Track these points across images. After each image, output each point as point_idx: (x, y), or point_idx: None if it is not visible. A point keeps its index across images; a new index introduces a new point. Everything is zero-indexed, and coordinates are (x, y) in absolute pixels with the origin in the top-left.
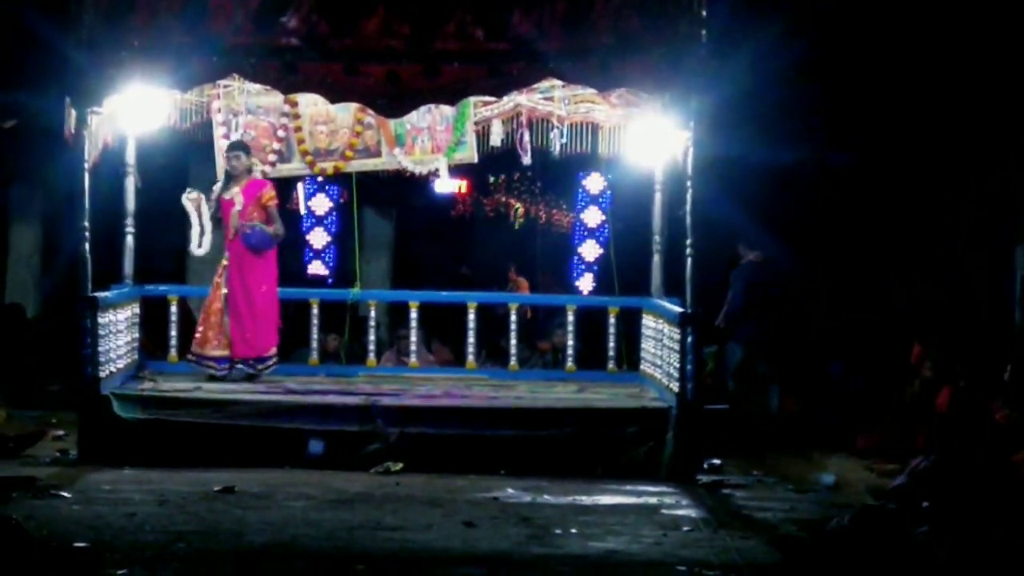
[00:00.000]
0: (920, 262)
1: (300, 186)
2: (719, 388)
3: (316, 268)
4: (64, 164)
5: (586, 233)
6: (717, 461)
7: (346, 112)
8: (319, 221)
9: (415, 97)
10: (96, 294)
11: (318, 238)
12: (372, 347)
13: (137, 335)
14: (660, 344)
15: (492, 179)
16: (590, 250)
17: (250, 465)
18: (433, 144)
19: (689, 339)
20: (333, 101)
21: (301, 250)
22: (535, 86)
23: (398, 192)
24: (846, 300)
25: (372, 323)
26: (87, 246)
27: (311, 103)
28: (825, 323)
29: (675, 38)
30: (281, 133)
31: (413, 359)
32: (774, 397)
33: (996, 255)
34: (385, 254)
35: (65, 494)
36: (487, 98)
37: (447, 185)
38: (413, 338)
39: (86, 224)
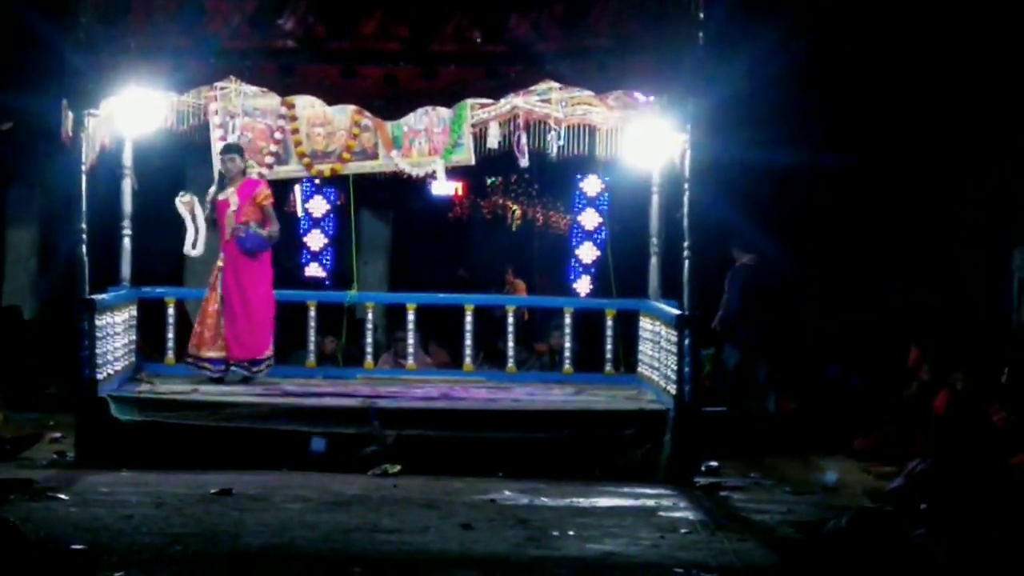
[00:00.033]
0: (917, 264)
1: (297, 188)
2: (716, 390)
3: (313, 270)
4: (61, 166)
5: (583, 235)
6: (715, 463)
7: (343, 114)
8: (316, 223)
9: (412, 99)
10: (93, 296)
11: (315, 240)
12: (369, 349)
13: (134, 337)
14: (658, 346)
15: (489, 181)
16: (587, 252)
17: (247, 467)
18: (430, 146)
19: (687, 341)
20: (330, 103)
21: (298, 252)
22: (532, 88)
23: (395, 194)
24: (843, 302)
25: (369, 325)
26: (84, 248)
27: (308, 105)
28: (822, 325)
29: (672, 40)
30: (278, 135)
31: (410, 361)
32: (771, 400)
33: (993, 257)
34: (382, 256)
35: (62, 496)
36: (484, 100)
37: (444, 187)
38: (410, 340)
39: (83, 226)
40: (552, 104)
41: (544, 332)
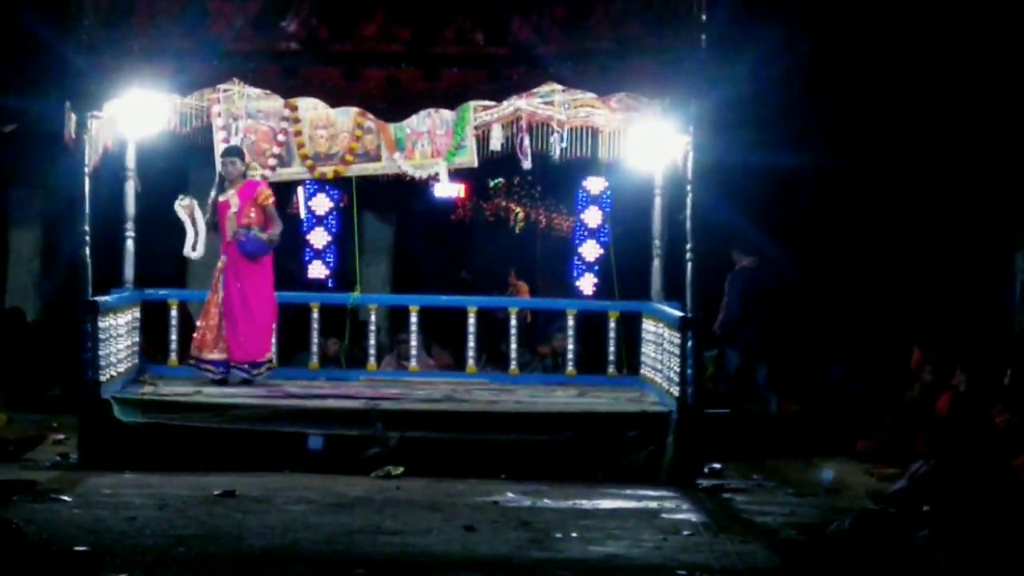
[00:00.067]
0: (920, 266)
1: (300, 190)
2: (719, 392)
3: (316, 269)
4: (64, 168)
5: (587, 233)
6: (717, 465)
7: (346, 116)
8: (319, 221)
9: (415, 101)
10: (96, 298)
11: (318, 238)
12: (372, 351)
13: (137, 339)
14: (660, 348)
15: (492, 183)
16: (591, 250)
17: (250, 469)
18: (433, 148)
19: (689, 343)
20: (333, 105)
21: (301, 252)
22: (535, 90)
23: (398, 196)
24: (846, 304)
25: (372, 327)
26: (87, 250)
27: (311, 107)
28: (825, 327)
29: (675, 42)
30: (281, 137)
31: (413, 363)
32: (771, 402)
33: (996, 259)
34: (385, 258)
35: (65, 498)
36: (487, 102)
37: (447, 189)
38: (413, 342)
39: (86, 228)
40: (555, 106)
41: (547, 334)
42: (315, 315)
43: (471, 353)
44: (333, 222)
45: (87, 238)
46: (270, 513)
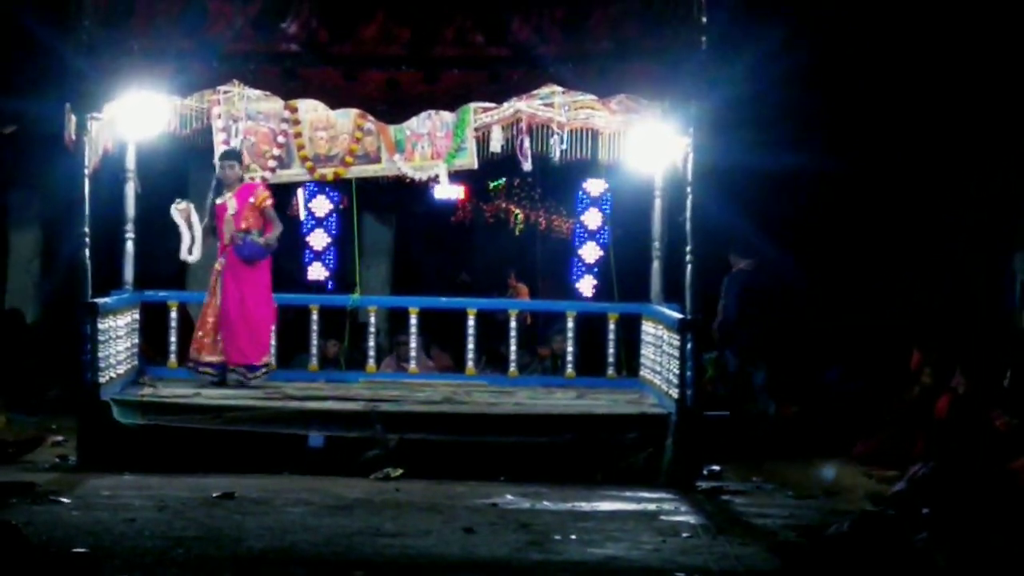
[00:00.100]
0: (920, 267)
1: (300, 192)
2: (719, 394)
3: (316, 270)
4: (64, 170)
5: (586, 235)
6: (716, 467)
7: (346, 118)
8: (319, 222)
9: (415, 103)
10: (96, 300)
11: (318, 240)
12: (372, 353)
13: (137, 341)
14: (660, 350)
15: (492, 184)
16: (590, 252)
17: (249, 471)
18: (433, 150)
19: (689, 345)
20: (333, 107)
21: (301, 254)
22: (535, 92)
23: (398, 198)
24: (845, 305)
25: (372, 329)
26: (87, 252)
27: (311, 109)
28: (824, 328)
29: (675, 44)
30: (281, 139)
31: (413, 365)
32: (769, 404)
33: (995, 260)
34: (385, 260)
35: (64, 500)
36: (487, 104)
37: (447, 191)
38: (413, 344)
39: (86, 230)
40: (555, 108)
41: (546, 336)
42: (315, 317)
43: (471, 355)
44: (333, 224)
45: (87, 240)
46: (269, 515)
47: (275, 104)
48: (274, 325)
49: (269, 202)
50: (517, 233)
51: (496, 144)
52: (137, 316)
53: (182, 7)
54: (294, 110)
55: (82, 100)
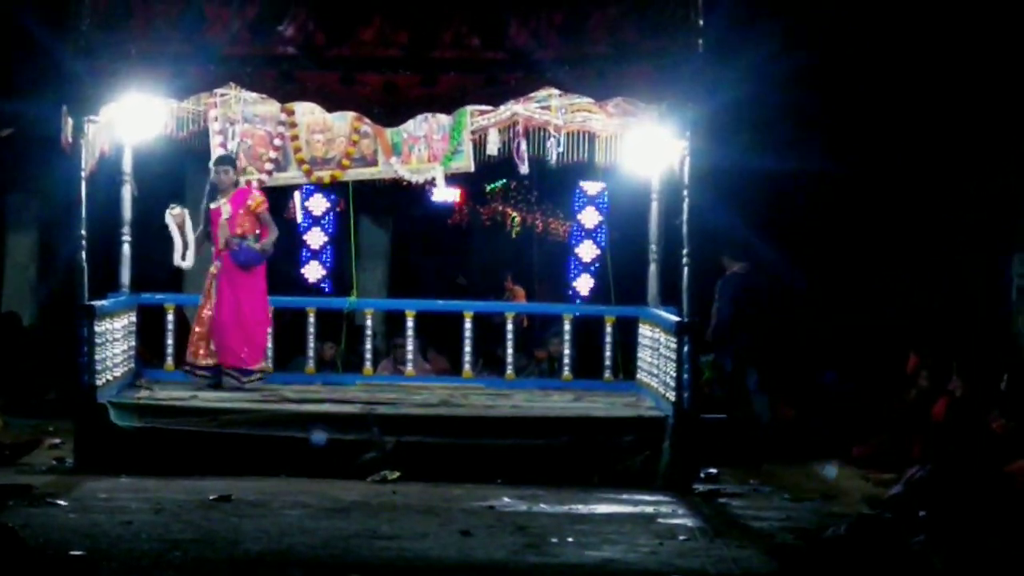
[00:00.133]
0: (917, 270)
1: (297, 194)
2: (716, 397)
3: (313, 270)
4: (61, 172)
5: (583, 234)
6: (714, 470)
7: (343, 121)
8: (316, 221)
9: (412, 106)
10: (93, 302)
11: (315, 238)
12: (369, 356)
13: (134, 343)
14: (657, 353)
15: (489, 187)
16: (587, 251)
17: (246, 473)
18: (430, 153)
19: (686, 348)
20: (330, 110)
21: (298, 255)
22: (532, 95)
23: (395, 201)
24: (843, 308)
25: (369, 332)
26: (84, 254)
27: (308, 112)
28: (821, 331)
29: (672, 47)
30: (278, 142)
31: (410, 368)
32: (763, 406)
33: (993, 263)
34: (381, 263)
35: (61, 502)
36: (484, 107)
37: (444, 194)
38: (410, 347)
39: (83, 232)
40: (552, 111)
41: (543, 339)
42: (311, 319)
43: (467, 358)
44: (330, 223)
45: (83, 242)
46: (266, 517)
47: (272, 107)
48: (270, 329)
49: (264, 206)
50: (514, 236)
51: (493, 147)
52: (134, 319)
53: (179, 10)
54: (291, 113)
55: (79, 103)
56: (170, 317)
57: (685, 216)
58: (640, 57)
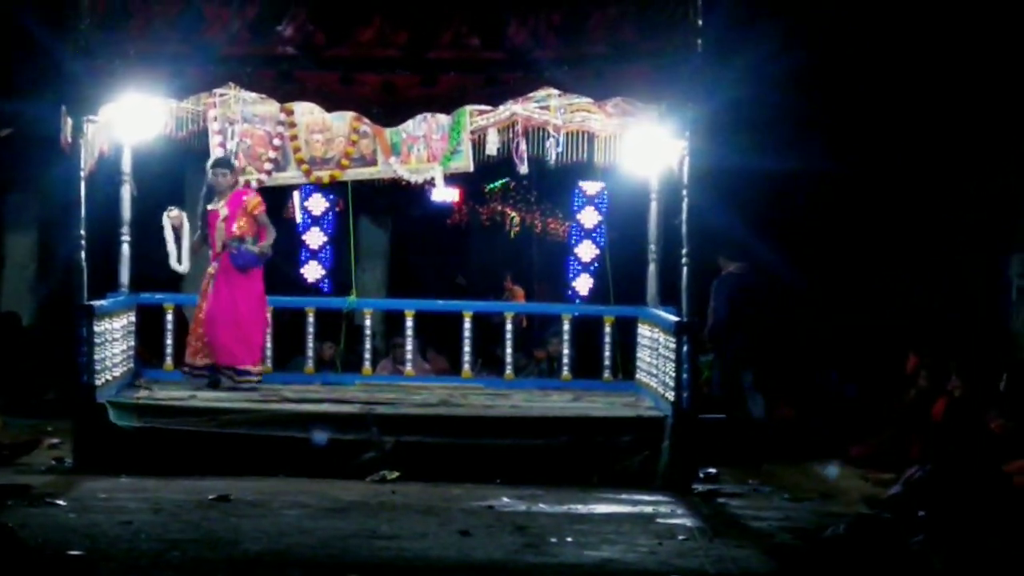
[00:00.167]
0: (916, 270)
1: (296, 194)
2: (715, 397)
3: (312, 269)
4: (60, 172)
5: (583, 233)
6: (713, 470)
7: (342, 121)
8: (315, 220)
9: (411, 106)
10: (92, 302)
11: (314, 238)
12: (368, 356)
13: (133, 343)
14: (656, 353)
15: (492, 186)
16: (586, 250)
17: (245, 473)
18: (429, 153)
19: (685, 348)
20: (329, 110)
21: (297, 254)
22: (531, 95)
23: (394, 201)
24: (842, 308)
25: (368, 332)
26: (83, 254)
27: (307, 112)
28: (820, 331)
29: (671, 47)
30: (277, 142)
31: (409, 368)
32: (758, 406)
33: (992, 263)
34: (381, 263)
35: (60, 502)
36: (483, 107)
37: (443, 194)
38: (409, 347)
39: (82, 232)
40: (551, 111)
41: (542, 339)
42: (310, 319)
43: (467, 358)
44: (329, 222)
45: (83, 242)
46: (265, 517)
47: (271, 107)
48: (268, 331)
49: (261, 208)
50: (513, 236)
51: (492, 147)
52: (133, 319)
53: (179, 10)
54: (290, 113)
55: (78, 103)
56: (169, 317)
57: (684, 216)
58: (639, 57)
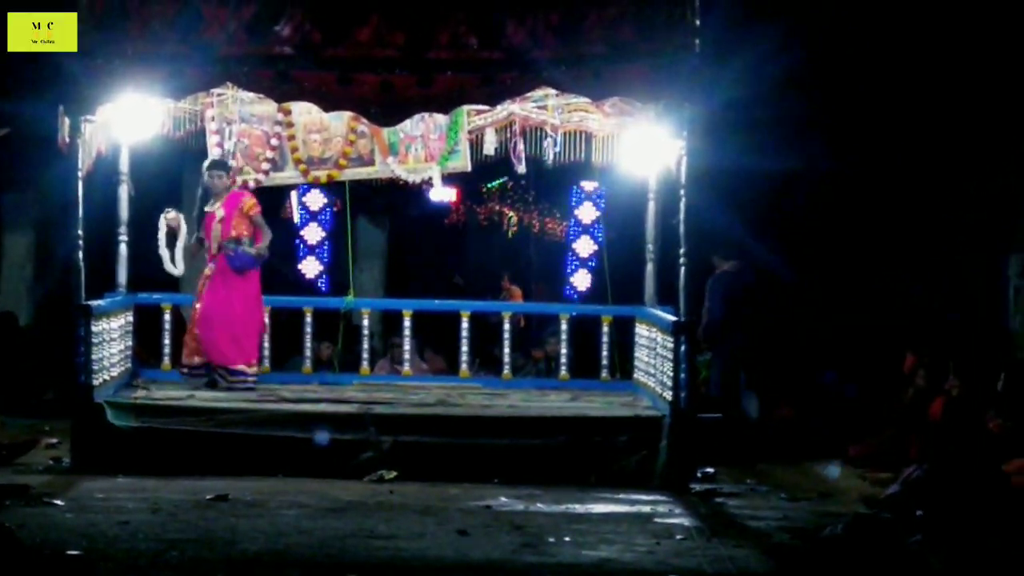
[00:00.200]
0: (914, 270)
1: (293, 194)
2: (712, 397)
3: (310, 265)
4: (58, 172)
5: (581, 229)
6: (710, 470)
7: (340, 121)
8: (313, 216)
9: (408, 106)
10: (89, 302)
11: (312, 234)
12: (366, 355)
13: (130, 343)
14: (653, 353)
15: (491, 184)
16: (584, 246)
17: (243, 473)
18: (426, 153)
19: (683, 347)
20: (327, 110)
21: (295, 253)
22: (529, 95)
23: (391, 201)
24: (840, 307)
25: (365, 332)
26: (80, 254)
27: (305, 111)
28: (818, 331)
29: (668, 47)
30: (275, 142)
31: (407, 368)
32: (752, 405)
33: (990, 263)
34: (378, 263)
35: (58, 502)
36: (480, 107)
37: (440, 194)
38: (407, 346)
39: (79, 232)
40: (548, 111)
41: (540, 338)
42: (308, 319)
43: (464, 357)
44: (327, 219)
45: (80, 242)
46: (263, 517)
47: (269, 107)
48: (264, 332)
49: (256, 210)
50: (510, 236)
51: (490, 147)
52: (131, 318)
53: (176, 10)
54: (288, 113)
55: (76, 103)
56: (167, 317)
57: (682, 216)
58: (637, 57)
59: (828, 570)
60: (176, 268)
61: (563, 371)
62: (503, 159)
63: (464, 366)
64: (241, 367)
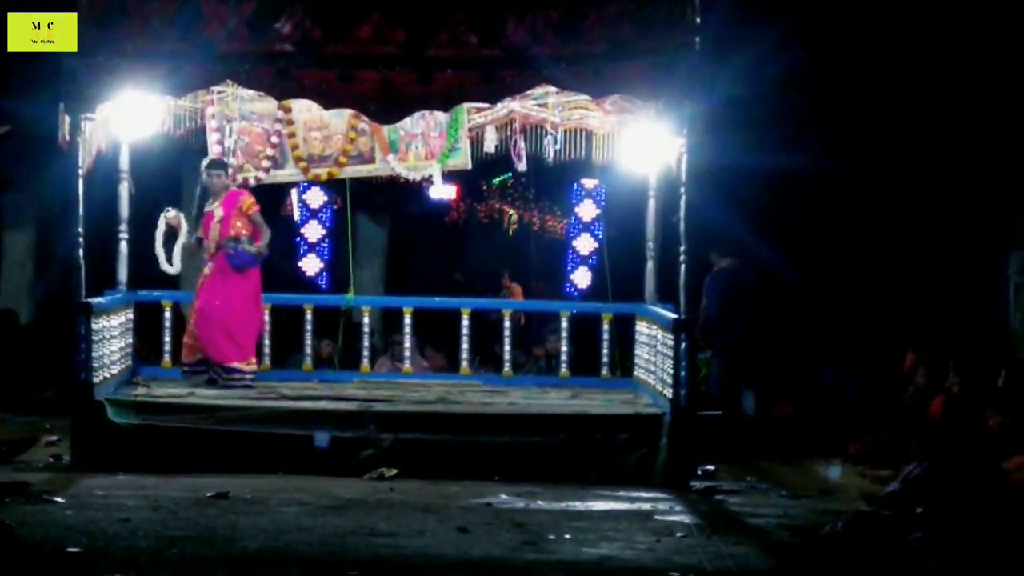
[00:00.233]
0: (914, 268)
1: (294, 192)
2: (712, 394)
3: (311, 263)
4: (58, 170)
5: (581, 226)
6: (711, 467)
7: (340, 118)
8: (314, 214)
9: (408, 103)
10: (90, 300)
11: (313, 231)
12: (366, 353)
13: (131, 341)
14: (654, 350)
15: (494, 181)
16: (585, 244)
17: (244, 471)
18: (427, 150)
19: (683, 345)
20: (327, 107)
21: (295, 251)
22: (529, 92)
23: (392, 198)
24: (840, 306)
25: (366, 329)
26: (81, 252)
27: (305, 109)
28: (818, 329)
29: (668, 45)
30: (275, 139)
31: (407, 365)
32: (749, 402)
33: (990, 261)
34: (379, 260)
35: (58, 500)
36: (481, 104)
37: (441, 191)
38: (407, 344)
39: (80, 230)
40: (549, 108)
41: (541, 336)
42: (308, 317)
43: (465, 355)
44: (327, 216)
45: (81, 240)
46: (263, 515)
47: (269, 104)
48: (263, 330)
49: (255, 208)
50: (511, 233)
51: (490, 144)
52: (131, 316)
53: (176, 8)
54: (288, 110)
55: (76, 101)
56: (167, 314)
57: (682, 213)
58: (637, 54)
59: (828, 567)
60: (171, 267)
61: (563, 369)
62: (503, 157)
63: (465, 363)
64: (238, 365)
